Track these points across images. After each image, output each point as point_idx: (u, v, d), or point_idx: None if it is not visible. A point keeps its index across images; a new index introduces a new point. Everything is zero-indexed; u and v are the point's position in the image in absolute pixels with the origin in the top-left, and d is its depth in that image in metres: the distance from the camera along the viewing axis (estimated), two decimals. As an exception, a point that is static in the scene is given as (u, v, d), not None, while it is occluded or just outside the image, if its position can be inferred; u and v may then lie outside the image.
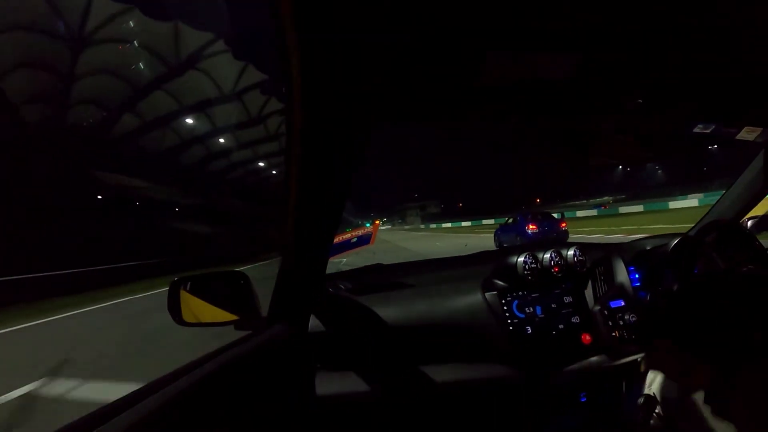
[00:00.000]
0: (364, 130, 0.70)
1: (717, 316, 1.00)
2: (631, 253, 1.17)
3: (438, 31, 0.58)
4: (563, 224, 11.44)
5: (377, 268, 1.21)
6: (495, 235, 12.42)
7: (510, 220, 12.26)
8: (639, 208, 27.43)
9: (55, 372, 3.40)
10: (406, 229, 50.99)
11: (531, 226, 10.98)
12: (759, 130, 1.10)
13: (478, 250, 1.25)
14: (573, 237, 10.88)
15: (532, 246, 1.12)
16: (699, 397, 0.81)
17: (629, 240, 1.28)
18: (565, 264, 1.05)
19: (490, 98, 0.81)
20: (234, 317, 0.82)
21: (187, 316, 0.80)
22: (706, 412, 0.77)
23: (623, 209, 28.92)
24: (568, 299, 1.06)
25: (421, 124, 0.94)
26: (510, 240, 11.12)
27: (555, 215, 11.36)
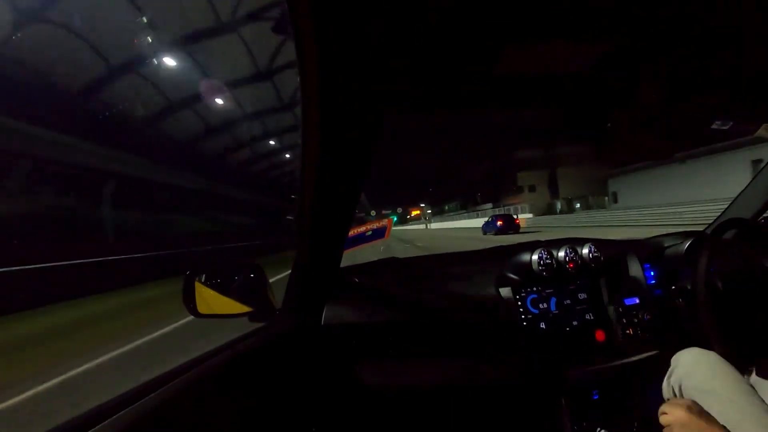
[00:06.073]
0: (379, 122, 0.69)
1: (734, 314, 0.98)
2: (646, 250, 1.16)
3: (457, 20, 0.57)
4: (517, 221, 19.04)
5: (392, 262, 1.21)
6: (482, 227, 20.13)
7: (489, 219, 20.48)
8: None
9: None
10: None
11: (499, 222, 18.69)
12: None
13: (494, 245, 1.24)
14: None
15: (548, 242, 1.11)
16: (717, 396, 0.79)
17: (645, 237, 1.26)
18: (580, 260, 1.04)
19: (508, 88, 0.80)
20: (248, 309, 0.82)
21: (201, 308, 0.79)
22: (725, 411, 0.76)
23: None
24: (582, 296, 1.05)
25: (436, 114, 0.93)
26: (489, 229, 18.86)
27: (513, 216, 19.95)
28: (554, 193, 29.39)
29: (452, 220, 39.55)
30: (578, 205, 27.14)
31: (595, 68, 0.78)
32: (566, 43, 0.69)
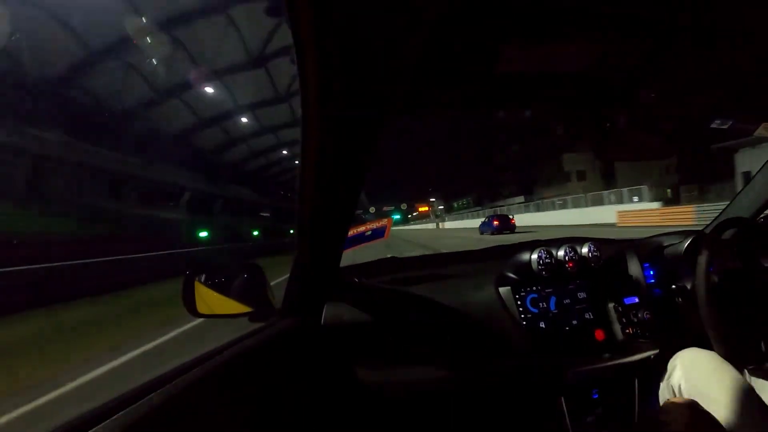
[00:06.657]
0: (379, 122, 0.69)
1: (734, 314, 0.98)
2: (646, 249, 1.16)
3: (457, 20, 0.57)
4: (512, 220, 18.73)
5: (391, 262, 1.21)
6: (479, 227, 19.84)
7: (486, 219, 20.26)
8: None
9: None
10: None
11: (495, 222, 18.63)
12: None
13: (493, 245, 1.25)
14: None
15: (547, 242, 1.11)
16: (717, 396, 0.79)
17: (644, 236, 1.26)
18: (579, 260, 1.04)
19: (509, 88, 0.80)
20: (248, 309, 0.82)
21: (201, 308, 0.79)
22: (724, 411, 0.76)
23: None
24: (582, 295, 1.05)
25: (436, 114, 0.93)
26: (486, 229, 18.67)
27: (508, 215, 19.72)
28: (609, 181, 22.09)
29: (475, 218, 30.06)
30: (636, 199, 19.23)
31: (595, 68, 0.78)
32: (566, 43, 0.69)
